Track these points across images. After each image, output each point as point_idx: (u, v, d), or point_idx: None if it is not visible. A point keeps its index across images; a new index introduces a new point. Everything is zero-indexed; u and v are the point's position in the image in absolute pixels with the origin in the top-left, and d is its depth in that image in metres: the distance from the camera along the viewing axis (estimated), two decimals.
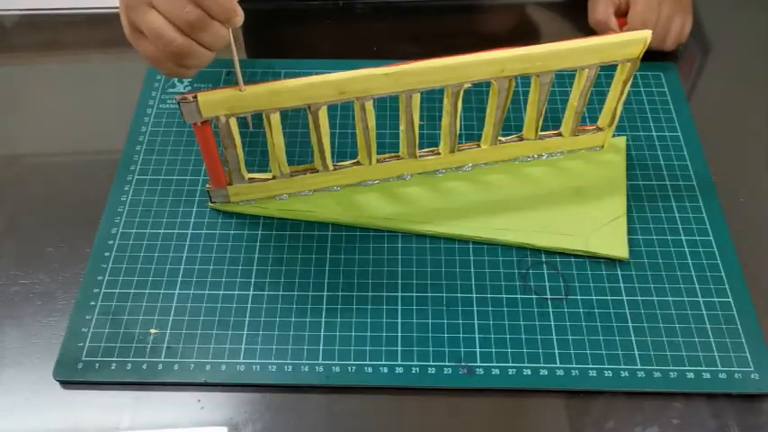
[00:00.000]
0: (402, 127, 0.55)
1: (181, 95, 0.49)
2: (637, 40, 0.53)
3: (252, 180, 0.57)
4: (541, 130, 0.59)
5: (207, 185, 0.57)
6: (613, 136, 0.62)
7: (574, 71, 0.55)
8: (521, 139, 0.60)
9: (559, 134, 0.60)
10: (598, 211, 0.57)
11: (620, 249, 0.55)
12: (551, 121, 0.62)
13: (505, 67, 0.53)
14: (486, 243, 0.56)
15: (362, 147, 0.56)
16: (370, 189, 0.59)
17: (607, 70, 0.58)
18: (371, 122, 0.54)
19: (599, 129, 0.60)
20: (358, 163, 0.58)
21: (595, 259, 0.55)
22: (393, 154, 0.58)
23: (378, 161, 0.58)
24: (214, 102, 0.50)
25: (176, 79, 0.67)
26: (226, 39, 0.49)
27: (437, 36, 0.74)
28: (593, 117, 0.64)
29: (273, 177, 0.57)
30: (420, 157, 0.58)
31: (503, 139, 0.59)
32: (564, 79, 0.67)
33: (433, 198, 0.58)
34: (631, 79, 0.56)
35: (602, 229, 0.56)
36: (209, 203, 0.58)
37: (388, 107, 0.65)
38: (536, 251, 0.56)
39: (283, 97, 0.51)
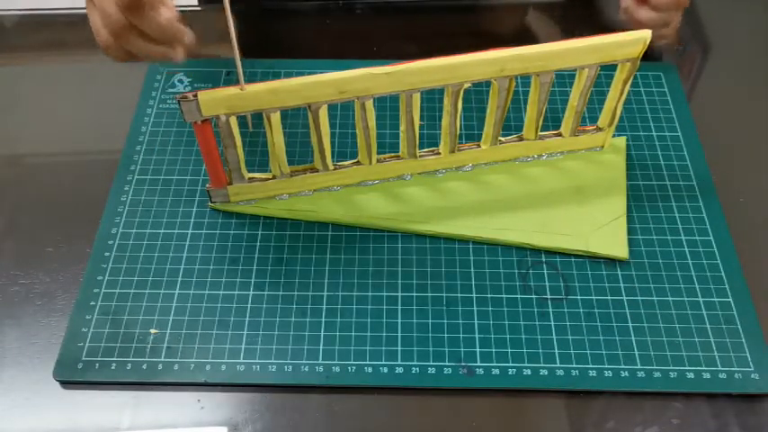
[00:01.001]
0: (402, 127, 0.55)
1: (181, 94, 0.49)
2: (636, 39, 0.53)
3: (252, 180, 0.57)
4: (541, 131, 0.59)
5: (207, 185, 0.57)
6: (613, 136, 0.62)
7: (574, 71, 0.55)
8: (521, 139, 0.60)
9: (559, 134, 0.60)
10: (598, 211, 0.58)
11: (620, 249, 0.55)
12: (551, 121, 0.62)
13: (505, 66, 0.53)
14: (486, 243, 0.56)
15: (362, 146, 0.56)
16: (370, 189, 0.59)
17: (607, 70, 0.58)
18: (372, 122, 0.54)
19: (599, 129, 0.60)
20: (358, 163, 0.58)
21: (595, 259, 0.55)
22: (393, 154, 0.58)
23: (378, 161, 0.58)
24: (214, 100, 0.50)
25: (176, 79, 0.67)
26: (165, 33, 0.52)
27: (437, 36, 0.74)
28: (594, 117, 0.64)
29: (273, 177, 0.57)
30: (420, 157, 0.58)
31: (503, 139, 0.59)
32: (564, 79, 0.67)
33: (434, 198, 0.58)
34: (631, 79, 0.56)
35: (602, 229, 0.56)
36: (209, 203, 0.58)
37: (388, 107, 0.65)
38: (536, 251, 0.56)
39: (284, 96, 0.51)
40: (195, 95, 0.49)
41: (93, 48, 0.54)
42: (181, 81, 0.67)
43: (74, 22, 0.75)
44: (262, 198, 0.58)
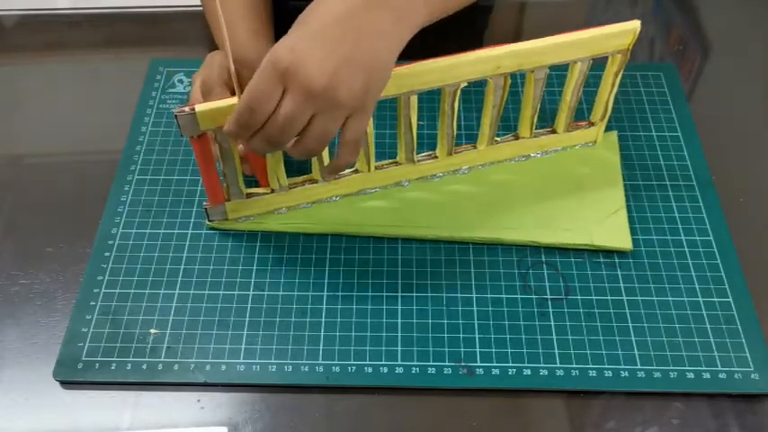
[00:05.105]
0: (400, 130, 0.55)
1: (178, 108, 0.48)
2: (626, 31, 0.54)
3: (250, 195, 0.56)
4: (536, 128, 0.59)
5: (204, 204, 0.56)
6: (606, 131, 0.62)
7: (567, 66, 0.55)
8: (516, 137, 0.60)
9: (553, 131, 0.60)
10: (598, 205, 0.58)
11: (623, 241, 0.55)
12: (550, 120, 0.62)
13: (501, 63, 0.53)
14: (490, 243, 0.56)
15: (361, 153, 0.56)
16: (369, 197, 0.58)
17: (601, 69, 0.58)
18: (369, 127, 0.53)
19: (591, 124, 0.61)
20: (356, 171, 0.57)
21: (596, 258, 0.55)
22: (391, 160, 0.58)
23: (376, 168, 0.57)
24: (212, 113, 0.49)
25: (176, 79, 0.67)
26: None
27: (436, 36, 0.74)
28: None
29: (272, 191, 0.56)
30: (418, 161, 0.58)
31: (498, 139, 0.59)
32: (563, 79, 0.67)
33: (433, 203, 0.58)
34: (622, 72, 0.56)
35: (604, 222, 0.56)
36: (207, 222, 0.57)
37: (388, 107, 0.65)
38: (536, 251, 0.56)
39: None
40: (193, 109, 0.48)
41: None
42: (181, 81, 0.67)
43: (74, 21, 0.75)
44: (260, 214, 0.57)
